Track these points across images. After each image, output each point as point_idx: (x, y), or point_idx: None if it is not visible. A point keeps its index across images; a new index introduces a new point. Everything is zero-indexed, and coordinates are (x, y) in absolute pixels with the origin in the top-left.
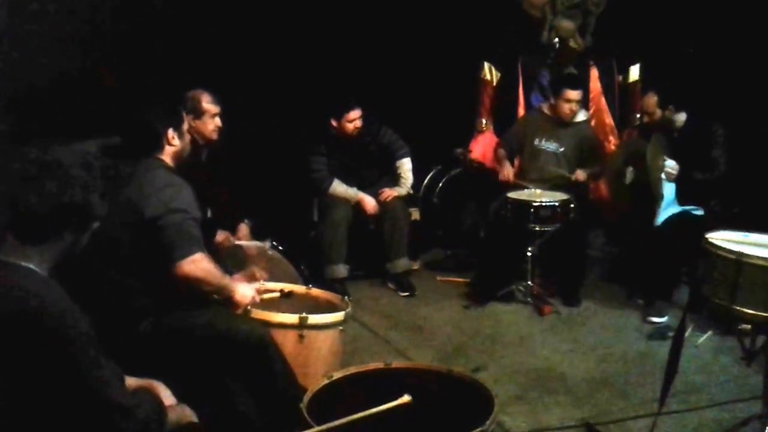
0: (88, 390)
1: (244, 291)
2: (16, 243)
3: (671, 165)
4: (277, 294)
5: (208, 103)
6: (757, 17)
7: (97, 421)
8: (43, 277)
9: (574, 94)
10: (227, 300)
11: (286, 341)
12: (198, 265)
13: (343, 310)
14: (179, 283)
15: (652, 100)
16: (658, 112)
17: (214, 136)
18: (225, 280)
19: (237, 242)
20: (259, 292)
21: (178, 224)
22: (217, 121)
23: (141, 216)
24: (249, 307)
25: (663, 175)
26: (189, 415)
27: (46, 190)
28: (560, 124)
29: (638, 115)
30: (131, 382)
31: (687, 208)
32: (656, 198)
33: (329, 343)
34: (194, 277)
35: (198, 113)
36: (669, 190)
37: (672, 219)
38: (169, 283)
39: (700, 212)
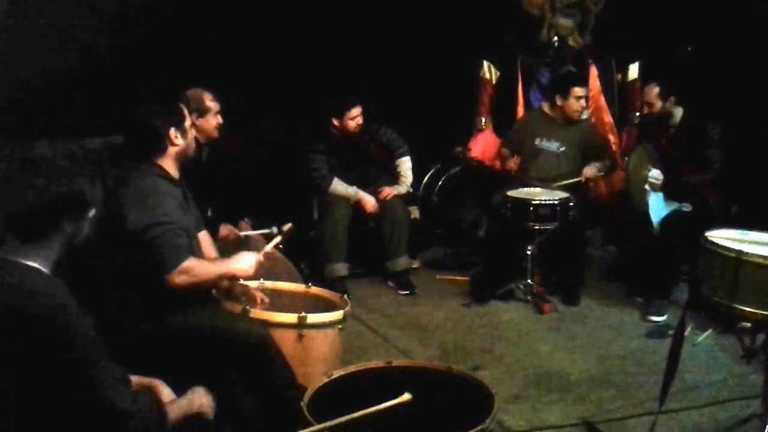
0: (90, 391)
1: (241, 266)
2: (17, 243)
3: (654, 175)
4: (278, 239)
5: (210, 101)
6: (756, 16)
7: (98, 422)
8: (48, 276)
9: (582, 91)
10: (232, 279)
11: (285, 340)
12: (189, 272)
13: (342, 308)
14: (176, 291)
15: (653, 91)
16: (659, 104)
17: (216, 133)
18: (219, 268)
19: (242, 233)
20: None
21: (162, 237)
22: (219, 118)
23: (124, 226)
24: (248, 307)
25: (647, 186)
26: (199, 405)
27: (35, 186)
28: (561, 123)
29: (637, 113)
30: (132, 380)
31: (676, 206)
32: (641, 208)
33: (328, 342)
34: (188, 284)
35: (202, 112)
36: (656, 198)
37: (666, 219)
38: (165, 288)
39: (688, 208)
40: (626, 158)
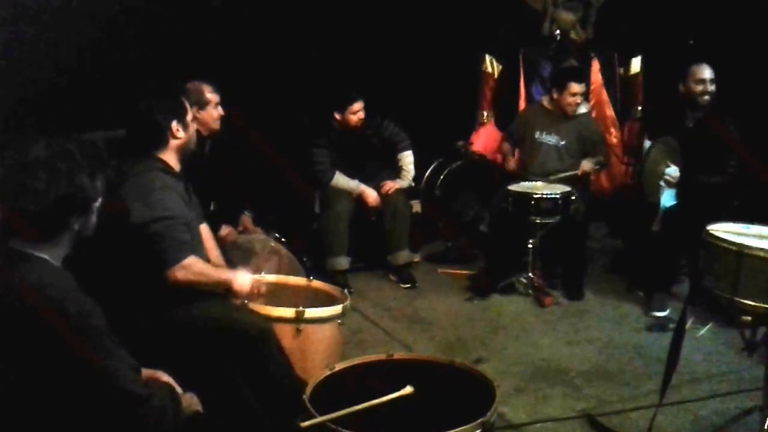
0: (104, 379)
1: (242, 280)
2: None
3: (671, 172)
4: (272, 285)
5: (210, 93)
6: (759, 9)
7: (114, 409)
8: (58, 268)
9: (578, 88)
10: (227, 291)
11: (284, 335)
12: (189, 269)
13: (342, 303)
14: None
15: (711, 71)
16: (709, 86)
17: (218, 125)
18: (221, 274)
19: (240, 236)
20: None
21: (165, 232)
22: (220, 110)
23: (126, 219)
24: (246, 301)
25: (662, 182)
26: (195, 404)
27: (35, 191)
28: (561, 117)
29: (639, 107)
30: None
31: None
32: (653, 204)
33: (327, 337)
34: (187, 281)
35: (202, 104)
36: (668, 195)
37: (669, 213)
38: (166, 282)
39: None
40: (646, 145)
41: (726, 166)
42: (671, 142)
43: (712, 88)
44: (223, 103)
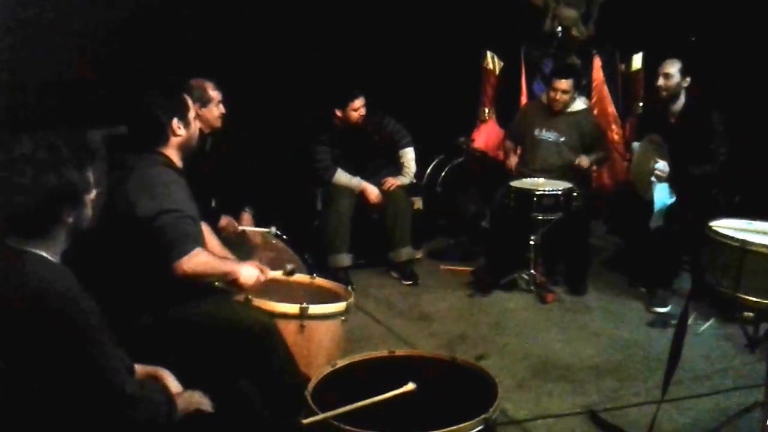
0: (99, 378)
1: (247, 272)
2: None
3: (661, 167)
4: (280, 272)
5: (213, 90)
6: (760, 6)
7: (107, 408)
8: (56, 264)
9: (562, 84)
10: (233, 283)
11: (287, 331)
12: (195, 260)
13: (346, 300)
14: (181, 280)
15: (675, 65)
16: (677, 77)
17: (219, 123)
18: (226, 266)
19: (241, 228)
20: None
21: (172, 224)
22: (222, 107)
23: (133, 214)
24: (250, 296)
25: (653, 178)
26: (196, 402)
27: (22, 186)
28: (559, 113)
29: (640, 104)
30: (138, 369)
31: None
32: (648, 201)
33: (330, 334)
34: (194, 274)
35: (204, 101)
36: (661, 190)
37: (669, 209)
38: (170, 277)
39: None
40: (633, 145)
41: (713, 155)
42: (656, 139)
43: (670, 82)
44: (224, 100)
